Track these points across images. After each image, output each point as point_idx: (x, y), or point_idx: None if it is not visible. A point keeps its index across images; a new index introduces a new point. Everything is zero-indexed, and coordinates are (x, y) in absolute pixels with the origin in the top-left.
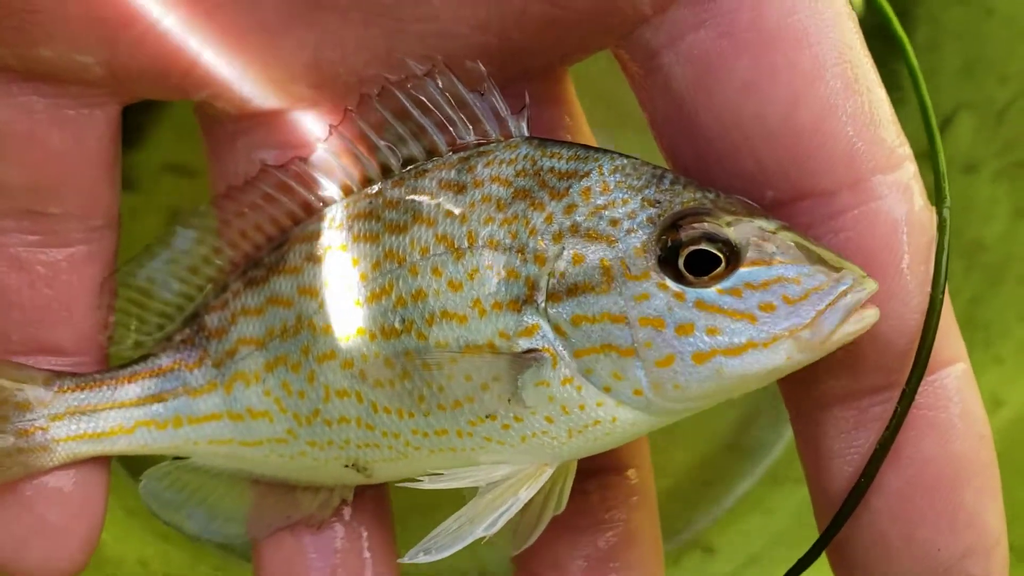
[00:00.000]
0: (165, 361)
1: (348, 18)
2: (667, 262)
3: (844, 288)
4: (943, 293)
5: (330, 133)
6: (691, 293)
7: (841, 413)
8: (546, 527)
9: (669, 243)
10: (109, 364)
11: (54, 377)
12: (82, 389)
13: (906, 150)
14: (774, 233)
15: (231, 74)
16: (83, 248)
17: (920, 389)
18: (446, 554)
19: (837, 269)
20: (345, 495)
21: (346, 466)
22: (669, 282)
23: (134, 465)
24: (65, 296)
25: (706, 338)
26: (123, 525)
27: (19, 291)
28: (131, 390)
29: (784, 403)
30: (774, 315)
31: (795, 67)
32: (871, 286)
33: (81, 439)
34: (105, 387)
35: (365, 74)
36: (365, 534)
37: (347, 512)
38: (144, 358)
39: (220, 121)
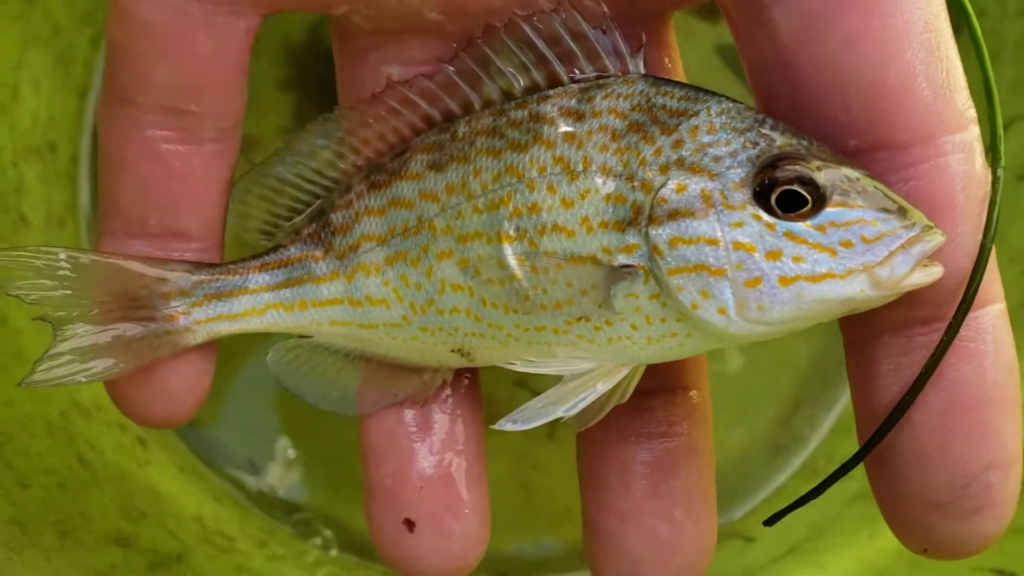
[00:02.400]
0: (294, 252)
1: None
2: (761, 197)
3: (914, 235)
4: (991, 241)
5: (455, 55)
6: (781, 225)
7: (892, 340)
8: (613, 434)
9: (766, 181)
10: (228, 252)
11: (193, 268)
12: (218, 278)
13: (972, 114)
14: (858, 180)
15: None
16: (212, 146)
17: (963, 323)
18: (531, 426)
19: (910, 217)
20: (446, 376)
21: (452, 351)
22: (763, 214)
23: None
24: (195, 188)
25: (791, 264)
26: (178, 481)
27: (157, 181)
28: (262, 278)
29: (841, 331)
30: (852, 251)
31: (889, 31)
32: (939, 237)
33: (219, 320)
34: (238, 276)
35: (492, 6)
36: (459, 412)
37: (445, 394)
38: (274, 249)
39: (353, 36)
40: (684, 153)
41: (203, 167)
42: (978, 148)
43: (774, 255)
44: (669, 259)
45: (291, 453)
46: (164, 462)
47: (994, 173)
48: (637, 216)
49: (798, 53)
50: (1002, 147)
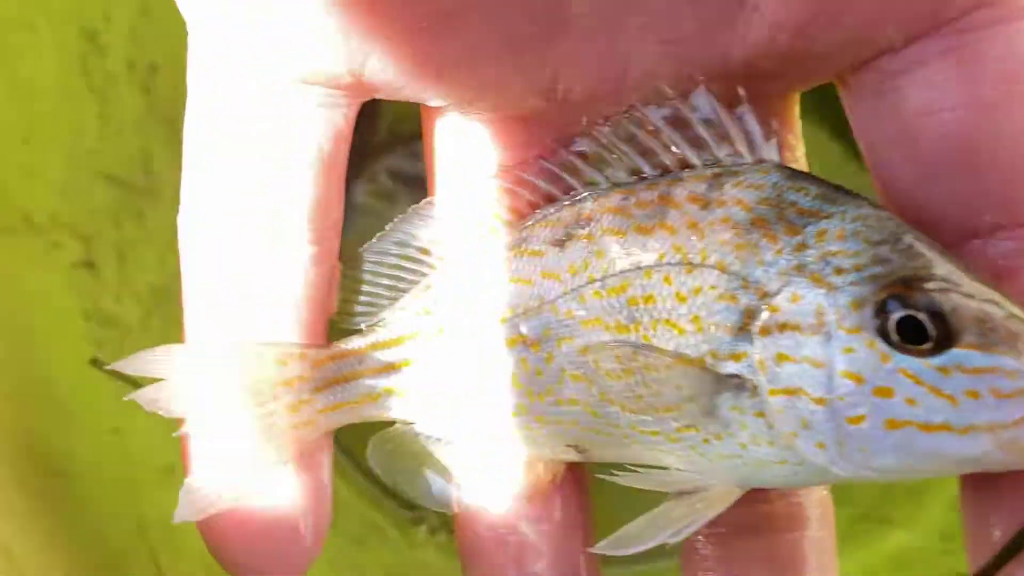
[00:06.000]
0: (405, 330)
1: (591, 38)
2: (880, 322)
3: None
4: None
5: (570, 141)
6: (898, 358)
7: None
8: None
9: (887, 304)
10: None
11: (309, 350)
12: (335, 360)
13: None
14: (1006, 319)
15: (471, 88)
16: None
17: None
18: (632, 551)
19: None
20: (556, 470)
21: (568, 445)
22: (879, 342)
23: None
24: None
25: (903, 406)
26: None
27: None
28: (376, 358)
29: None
30: (977, 404)
31: None
32: None
33: (338, 409)
34: (353, 357)
35: (599, 92)
36: (573, 517)
37: (554, 494)
38: (384, 327)
39: (447, 120)
40: (806, 259)
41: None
42: None
43: (883, 392)
44: (772, 375)
45: None
46: None
47: None
48: (748, 321)
49: (923, 122)
50: None
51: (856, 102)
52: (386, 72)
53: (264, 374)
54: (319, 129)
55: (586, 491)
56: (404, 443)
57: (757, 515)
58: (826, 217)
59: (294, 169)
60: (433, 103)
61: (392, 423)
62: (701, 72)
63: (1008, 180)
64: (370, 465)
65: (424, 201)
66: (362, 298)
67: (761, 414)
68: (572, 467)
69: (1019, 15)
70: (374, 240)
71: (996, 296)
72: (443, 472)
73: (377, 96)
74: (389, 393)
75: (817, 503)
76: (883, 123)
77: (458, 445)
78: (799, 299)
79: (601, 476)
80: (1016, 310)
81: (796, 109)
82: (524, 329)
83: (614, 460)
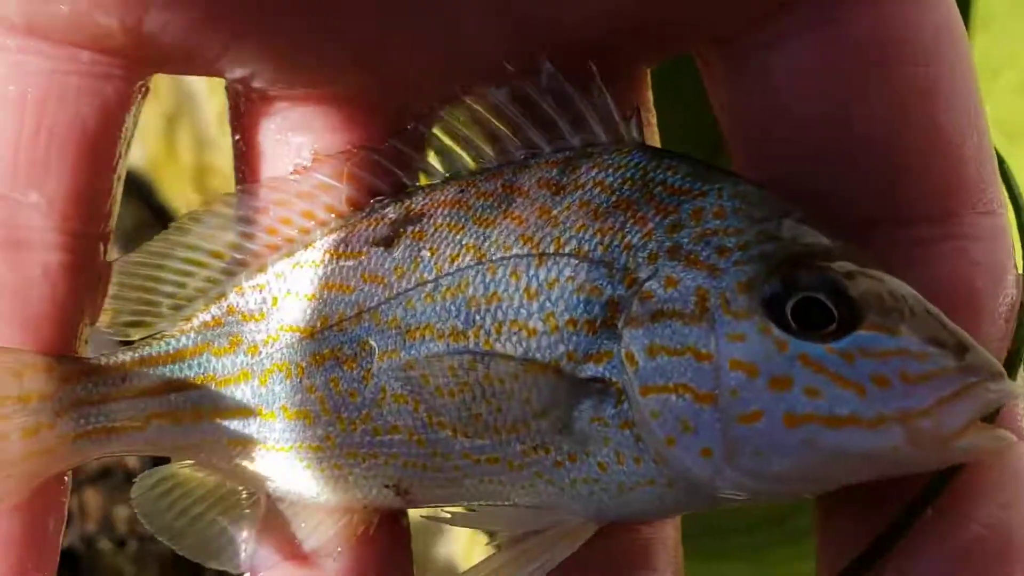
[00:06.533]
0: (187, 343)
1: None
2: (774, 305)
3: (973, 382)
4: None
5: (407, 127)
6: (795, 344)
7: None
8: None
9: (781, 285)
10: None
11: (55, 363)
12: (89, 375)
13: (1000, 198)
14: (905, 299)
15: (277, 54)
16: None
17: None
18: None
19: (971, 357)
20: (369, 520)
21: (386, 486)
22: (773, 327)
23: None
24: None
25: (804, 398)
26: None
27: None
28: (144, 376)
29: None
30: (886, 392)
31: (911, 84)
32: (1011, 389)
33: (89, 437)
34: (115, 373)
35: (427, 66)
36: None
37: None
38: (160, 339)
39: (253, 102)
40: (682, 239)
41: None
42: (1004, 240)
43: (781, 384)
44: (645, 372)
45: None
46: None
47: None
48: (614, 315)
49: (794, 102)
50: None
51: (713, 72)
52: (170, 30)
53: None
54: (81, 103)
55: (406, 544)
56: (180, 484)
57: (596, 555)
58: (701, 195)
59: (39, 152)
60: (230, 75)
61: (165, 460)
62: (542, 45)
63: (883, 170)
64: (136, 510)
65: (219, 196)
66: (137, 307)
67: (628, 424)
68: (389, 515)
69: None
70: (154, 240)
71: (889, 276)
72: (229, 522)
73: (163, 69)
74: (162, 420)
75: (668, 542)
76: (745, 99)
77: (249, 488)
78: (675, 283)
79: (426, 517)
80: (912, 291)
81: (647, 89)
82: (337, 343)
83: (442, 502)
